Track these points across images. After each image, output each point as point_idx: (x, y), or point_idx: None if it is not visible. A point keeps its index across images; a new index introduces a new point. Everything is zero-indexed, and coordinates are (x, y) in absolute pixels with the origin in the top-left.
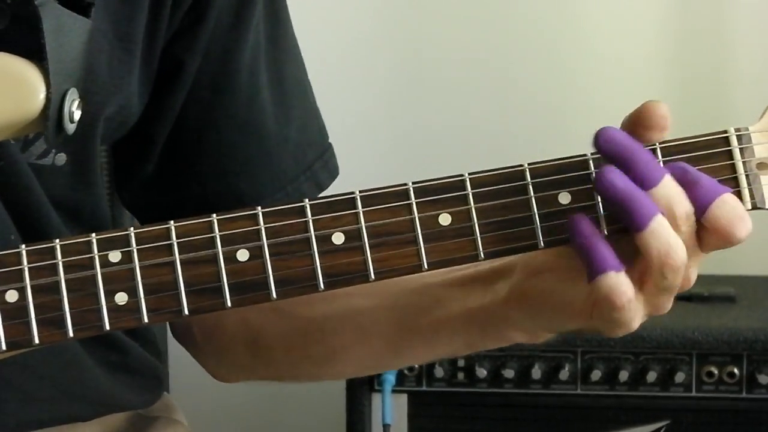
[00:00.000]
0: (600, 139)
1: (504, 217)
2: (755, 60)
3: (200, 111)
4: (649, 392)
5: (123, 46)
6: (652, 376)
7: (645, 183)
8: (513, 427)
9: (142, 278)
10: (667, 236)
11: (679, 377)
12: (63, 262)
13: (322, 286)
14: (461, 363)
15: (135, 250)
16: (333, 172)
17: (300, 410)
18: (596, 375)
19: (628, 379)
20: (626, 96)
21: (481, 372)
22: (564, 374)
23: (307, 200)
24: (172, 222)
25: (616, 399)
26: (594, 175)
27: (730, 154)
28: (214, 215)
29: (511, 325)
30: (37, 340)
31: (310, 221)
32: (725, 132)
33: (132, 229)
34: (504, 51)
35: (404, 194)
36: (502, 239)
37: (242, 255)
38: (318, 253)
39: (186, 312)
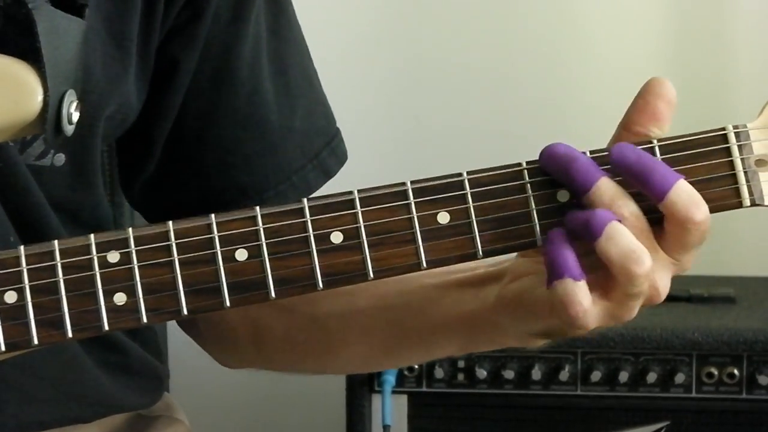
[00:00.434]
0: (541, 159)
1: (502, 216)
2: (755, 60)
3: (201, 107)
4: (649, 393)
5: (117, 44)
6: (652, 377)
7: (579, 190)
8: (513, 428)
9: (140, 278)
10: (626, 242)
11: (679, 378)
12: (62, 263)
13: (320, 285)
14: (461, 364)
15: (134, 251)
16: (341, 158)
17: (300, 411)
18: (596, 376)
19: (628, 379)
20: (626, 96)
21: (481, 373)
22: (564, 375)
23: (305, 200)
24: (170, 223)
25: (616, 400)
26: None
27: (728, 151)
28: (213, 216)
29: (501, 330)
30: (36, 341)
31: (309, 221)
32: (723, 129)
33: (130, 230)
34: (504, 51)
35: (402, 193)
36: (501, 237)
37: (241, 255)
38: (316, 252)
39: (185, 312)
